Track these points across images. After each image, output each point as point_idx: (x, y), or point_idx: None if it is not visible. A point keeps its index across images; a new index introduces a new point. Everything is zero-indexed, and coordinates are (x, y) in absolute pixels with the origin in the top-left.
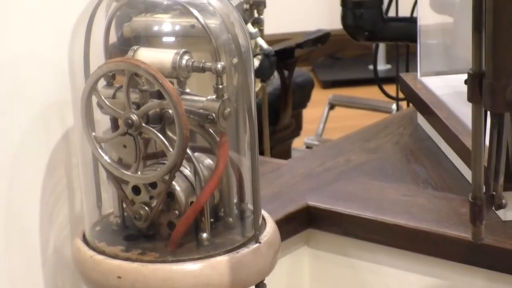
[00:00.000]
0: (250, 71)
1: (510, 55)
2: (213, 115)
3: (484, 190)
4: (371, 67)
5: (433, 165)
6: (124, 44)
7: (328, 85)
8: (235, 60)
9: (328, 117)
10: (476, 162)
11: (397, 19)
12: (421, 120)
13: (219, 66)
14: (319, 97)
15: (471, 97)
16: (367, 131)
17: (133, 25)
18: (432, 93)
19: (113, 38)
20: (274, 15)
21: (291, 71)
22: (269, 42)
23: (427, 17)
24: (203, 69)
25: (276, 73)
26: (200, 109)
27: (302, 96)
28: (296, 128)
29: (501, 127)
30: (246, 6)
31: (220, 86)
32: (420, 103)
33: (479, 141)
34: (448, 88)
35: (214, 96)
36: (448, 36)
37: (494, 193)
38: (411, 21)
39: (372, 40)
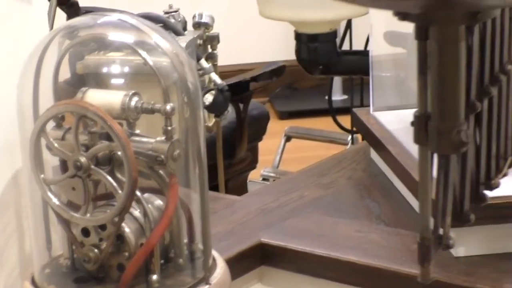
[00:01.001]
0: (199, 111)
1: (455, 98)
2: (162, 157)
3: (432, 231)
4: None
5: (386, 200)
6: (76, 82)
7: (285, 115)
8: (184, 101)
9: (284, 149)
10: (423, 203)
11: (351, 52)
12: (374, 155)
13: (168, 107)
14: (276, 128)
15: (417, 139)
16: (321, 166)
17: (85, 63)
18: (384, 128)
19: (65, 76)
20: (230, 46)
21: (246, 104)
22: (225, 74)
23: (380, 50)
24: (152, 111)
25: (230, 108)
26: (149, 150)
27: (258, 129)
28: (252, 161)
29: (447, 168)
30: (199, 41)
31: (169, 128)
32: (372, 139)
33: (426, 183)
34: (400, 123)
35: (163, 138)
36: (401, 69)
37: (442, 233)
38: (365, 54)
39: (326, 74)
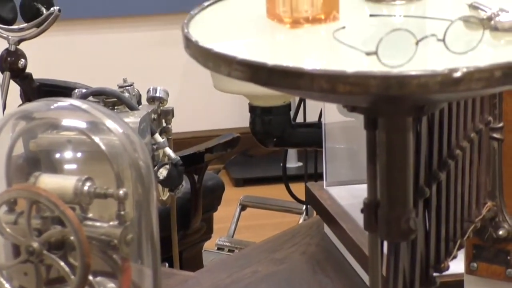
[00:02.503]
0: (151, 194)
1: (403, 186)
2: (115, 241)
3: None
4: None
5: (339, 276)
6: (29, 163)
7: (240, 183)
8: (137, 184)
9: (240, 217)
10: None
11: (305, 124)
12: (327, 229)
13: (121, 192)
14: (232, 195)
15: (367, 226)
16: (274, 241)
17: (39, 142)
18: (337, 204)
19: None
20: (185, 113)
21: (201, 175)
22: (179, 143)
23: (333, 122)
24: (105, 196)
25: (184, 182)
26: (102, 235)
27: (213, 199)
28: (206, 231)
29: (397, 255)
30: (154, 116)
31: (122, 212)
32: (326, 214)
33: (376, 269)
34: (353, 198)
35: (116, 222)
36: (355, 141)
37: None
38: (319, 126)
39: (280, 146)
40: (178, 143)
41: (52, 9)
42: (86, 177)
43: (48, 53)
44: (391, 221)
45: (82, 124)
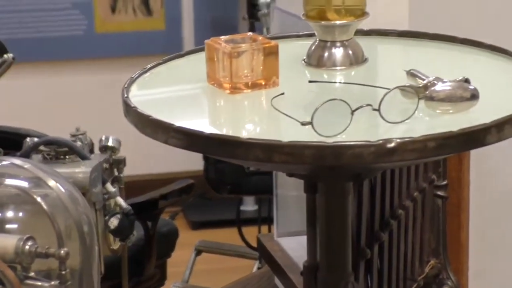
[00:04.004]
0: (94, 252)
1: (342, 250)
2: None
3: None
4: (241, 207)
5: None
6: None
7: (197, 226)
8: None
9: (195, 262)
10: None
11: (259, 172)
12: (278, 281)
13: (62, 252)
14: (188, 238)
15: None
16: None
17: None
18: (287, 256)
19: None
20: (141, 158)
21: (155, 222)
22: (134, 187)
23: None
24: (46, 255)
25: (136, 231)
26: None
27: (167, 245)
28: (160, 278)
29: None
30: (106, 165)
31: (63, 272)
32: (276, 266)
33: None
34: (303, 249)
35: (57, 282)
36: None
37: None
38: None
39: (235, 194)
40: (132, 187)
41: (5, 56)
42: (27, 236)
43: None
44: (329, 285)
45: (24, 183)
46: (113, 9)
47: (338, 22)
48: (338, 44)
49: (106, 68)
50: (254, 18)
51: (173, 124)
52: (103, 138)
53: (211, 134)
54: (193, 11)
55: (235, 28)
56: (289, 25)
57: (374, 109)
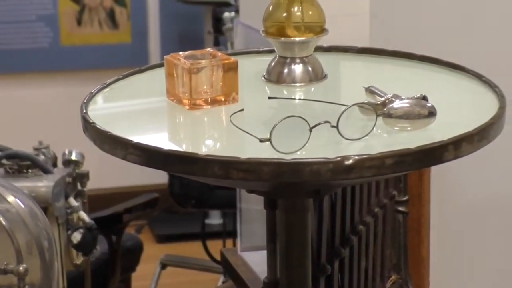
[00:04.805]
0: (54, 268)
1: (302, 266)
2: None
3: None
4: (207, 221)
5: None
6: None
7: (162, 239)
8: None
9: (160, 276)
10: None
11: (224, 187)
12: None
13: (21, 268)
14: (154, 251)
15: None
16: None
17: None
18: (250, 270)
19: None
20: (106, 170)
21: (119, 236)
22: (97, 202)
23: None
24: (5, 272)
25: (100, 246)
26: None
27: (131, 260)
28: None
29: None
30: (69, 179)
31: None
32: (239, 280)
33: None
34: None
35: None
36: None
37: None
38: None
39: (199, 208)
40: (97, 200)
41: None
42: None
43: None
44: None
45: None
46: (79, 22)
47: (297, 38)
48: (297, 60)
49: (72, 81)
50: (219, 32)
51: (131, 141)
52: (66, 152)
53: (169, 150)
54: (159, 24)
55: (201, 41)
56: (252, 40)
57: (333, 126)
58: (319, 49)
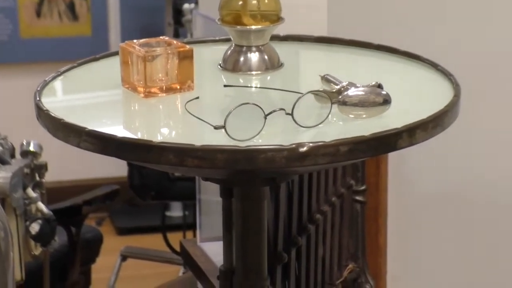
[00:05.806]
0: (9, 259)
1: (258, 255)
2: None
3: None
4: (167, 213)
5: None
6: None
7: (123, 232)
8: None
9: (120, 268)
10: None
11: (183, 178)
12: (200, 286)
13: None
14: (115, 244)
15: None
16: None
17: None
18: (209, 260)
19: None
20: (65, 162)
21: (78, 228)
22: (57, 194)
23: None
24: None
25: (58, 237)
26: None
27: (91, 251)
28: (85, 284)
29: None
30: (27, 170)
31: None
32: (198, 271)
33: None
34: None
35: None
36: None
37: None
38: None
39: (159, 199)
40: (57, 192)
41: None
42: None
43: None
44: None
45: None
46: (38, 14)
47: (253, 27)
48: (253, 49)
49: (31, 73)
50: (179, 24)
51: (85, 128)
52: (24, 143)
53: (123, 138)
54: (120, 16)
55: (161, 33)
56: (212, 30)
57: (288, 113)
58: (276, 38)
